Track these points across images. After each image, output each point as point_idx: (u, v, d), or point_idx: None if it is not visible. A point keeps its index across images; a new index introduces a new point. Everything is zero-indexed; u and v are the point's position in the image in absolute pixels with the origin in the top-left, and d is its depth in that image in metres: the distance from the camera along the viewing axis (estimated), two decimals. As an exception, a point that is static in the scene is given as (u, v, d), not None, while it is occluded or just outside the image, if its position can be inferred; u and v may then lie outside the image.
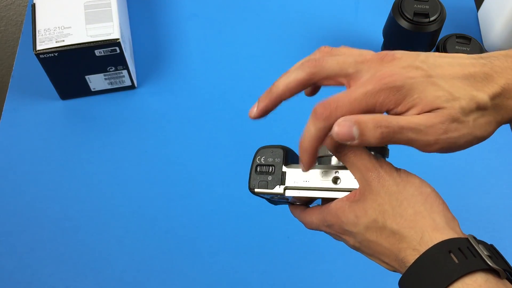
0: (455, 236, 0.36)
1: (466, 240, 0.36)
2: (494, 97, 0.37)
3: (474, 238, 0.37)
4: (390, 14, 0.74)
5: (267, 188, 0.43)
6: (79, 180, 0.73)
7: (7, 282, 0.66)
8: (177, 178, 0.73)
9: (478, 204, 0.72)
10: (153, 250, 0.69)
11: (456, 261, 0.34)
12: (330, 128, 0.37)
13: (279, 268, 0.68)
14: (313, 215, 0.43)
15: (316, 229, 0.44)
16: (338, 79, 0.40)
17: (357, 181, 0.40)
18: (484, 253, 0.35)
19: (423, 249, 0.36)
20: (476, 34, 0.85)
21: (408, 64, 0.38)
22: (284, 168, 0.43)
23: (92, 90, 0.78)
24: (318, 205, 0.44)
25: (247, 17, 0.87)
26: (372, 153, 0.40)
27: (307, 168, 0.41)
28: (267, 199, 0.46)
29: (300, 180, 0.42)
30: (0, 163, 0.74)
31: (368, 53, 0.40)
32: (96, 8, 0.73)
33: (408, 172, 0.40)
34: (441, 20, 0.72)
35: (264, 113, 0.43)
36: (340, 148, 0.39)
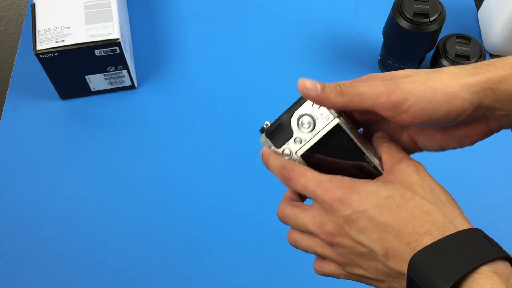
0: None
1: (487, 236, 0.36)
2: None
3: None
4: (390, 14, 0.74)
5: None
6: (79, 180, 0.73)
7: (7, 282, 0.66)
8: (177, 178, 0.73)
9: (478, 204, 0.72)
10: (153, 250, 0.69)
11: (492, 245, 0.34)
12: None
13: (279, 268, 0.68)
14: (310, 170, 0.41)
15: (298, 187, 0.41)
16: None
17: (388, 163, 0.40)
18: (504, 251, 0.35)
19: (454, 228, 0.35)
20: (476, 34, 0.85)
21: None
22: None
23: (92, 90, 0.78)
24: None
25: (247, 17, 0.87)
26: None
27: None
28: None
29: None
30: (0, 163, 0.74)
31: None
32: (96, 8, 0.73)
33: None
34: (441, 20, 0.72)
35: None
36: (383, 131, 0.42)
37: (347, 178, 0.39)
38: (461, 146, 0.42)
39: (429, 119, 0.38)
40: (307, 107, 0.41)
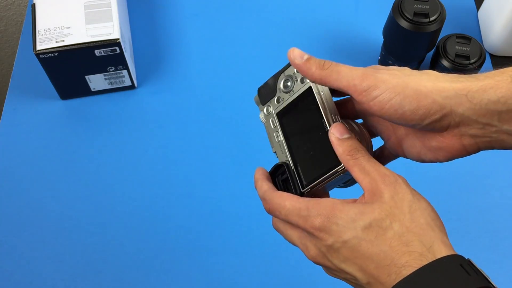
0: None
1: (468, 260, 0.36)
2: None
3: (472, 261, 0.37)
4: (390, 14, 0.74)
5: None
6: (79, 180, 0.73)
7: (7, 282, 0.66)
8: (177, 177, 0.73)
9: (478, 204, 0.72)
10: (153, 249, 0.69)
11: (468, 274, 0.34)
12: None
13: (279, 268, 0.68)
14: (288, 199, 0.41)
15: (281, 218, 0.42)
16: None
17: (366, 185, 0.39)
18: (484, 273, 0.35)
19: (432, 257, 0.35)
20: (476, 34, 0.85)
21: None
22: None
23: (92, 90, 0.78)
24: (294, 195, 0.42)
25: (247, 17, 0.87)
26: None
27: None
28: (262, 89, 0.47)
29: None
30: (0, 163, 0.74)
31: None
32: (96, 8, 0.73)
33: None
34: (441, 20, 0.72)
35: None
36: (353, 151, 0.40)
37: (324, 203, 0.39)
38: (437, 159, 0.42)
39: (395, 112, 0.38)
40: (292, 70, 0.44)
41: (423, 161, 0.43)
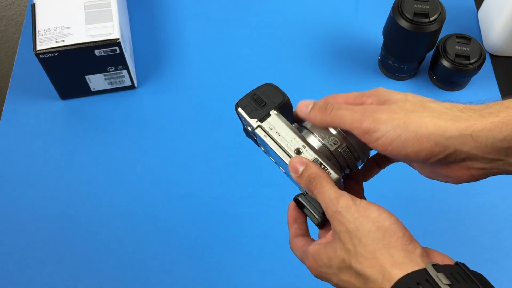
0: (415, 268, 0.36)
1: (424, 271, 0.36)
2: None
3: (434, 266, 0.36)
4: (390, 14, 0.74)
5: (247, 114, 0.45)
6: (79, 180, 0.73)
7: (7, 282, 0.66)
8: (177, 178, 0.73)
9: (478, 204, 0.72)
10: (153, 250, 0.69)
11: None
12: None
13: (279, 268, 0.68)
14: (296, 249, 0.45)
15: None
16: None
17: (325, 217, 0.42)
18: (443, 282, 0.35)
19: (388, 285, 0.36)
20: (476, 34, 0.85)
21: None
22: (273, 112, 0.44)
23: (92, 90, 0.78)
24: (309, 239, 0.46)
25: (247, 17, 0.87)
26: (342, 180, 0.43)
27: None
28: (243, 124, 0.48)
29: (275, 129, 0.44)
30: (0, 163, 0.74)
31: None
32: (96, 8, 0.73)
33: (367, 203, 0.40)
34: (441, 20, 0.72)
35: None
36: (311, 185, 0.42)
37: (299, 241, 0.44)
38: (447, 182, 0.42)
39: (399, 154, 0.38)
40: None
41: (435, 179, 0.43)
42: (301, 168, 0.41)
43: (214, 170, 0.74)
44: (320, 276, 0.43)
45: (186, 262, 0.68)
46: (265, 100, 0.45)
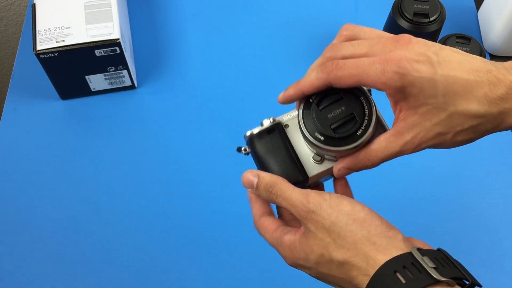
0: (399, 253, 0.36)
1: (409, 255, 0.36)
2: (494, 101, 0.38)
3: (419, 250, 0.37)
4: (390, 14, 0.74)
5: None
6: (79, 180, 0.73)
7: (7, 282, 0.66)
8: (177, 178, 0.73)
9: (478, 204, 0.72)
10: (153, 250, 0.69)
11: (403, 280, 0.35)
12: (327, 82, 0.40)
13: (279, 268, 0.68)
14: (266, 232, 0.45)
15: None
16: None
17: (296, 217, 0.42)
18: (429, 265, 0.35)
19: (372, 270, 0.36)
20: (476, 34, 0.85)
21: (421, 51, 0.39)
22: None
23: (92, 90, 0.78)
24: (276, 219, 0.45)
25: (247, 17, 0.87)
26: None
27: (282, 98, 0.43)
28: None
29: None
30: (0, 163, 0.74)
31: (386, 35, 0.41)
32: (96, 8, 0.73)
33: (337, 197, 0.40)
34: (441, 20, 0.72)
35: (288, 101, 0.44)
36: (271, 195, 0.42)
37: (268, 222, 0.45)
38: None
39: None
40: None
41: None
42: (255, 180, 0.42)
43: (214, 170, 0.74)
44: (295, 266, 0.43)
45: (186, 262, 0.68)
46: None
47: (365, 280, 0.37)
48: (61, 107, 0.79)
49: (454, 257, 0.39)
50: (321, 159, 0.44)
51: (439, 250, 0.38)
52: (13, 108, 0.78)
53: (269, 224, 0.44)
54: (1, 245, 0.69)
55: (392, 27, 0.73)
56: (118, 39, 0.71)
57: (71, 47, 0.70)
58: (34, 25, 0.72)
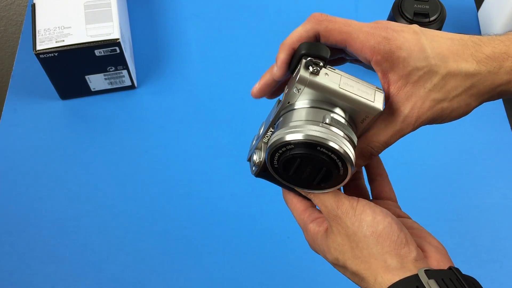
0: (407, 274, 0.36)
1: (415, 278, 0.36)
2: (482, 60, 0.39)
3: (426, 271, 0.36)
4: (390, 14, 0.74)
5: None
6: (79, 180, 0.73)
7: (7, 282, 0.66)
8: (177, 177, 0.73)
9: (478, 204, 0.72)
10: (153, 249, 0.69)
11: None
12: (315, 32, 0.41)
13: (279, 268, 0.68)
14: (295, 211, 0.44)
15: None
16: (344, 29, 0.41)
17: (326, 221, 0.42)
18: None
19: None
20: (476, 34, 0.85)
21: (403, 26, 0.40)
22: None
23: (92, 90, 0.78)
24: (304, 199, 0.44)
25: (247, 17, 0.87)
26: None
27: (278, 69, 0.44)
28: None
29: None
30: (0, 163, 0.74)
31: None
32: (96, 8, 0.73)
33: (363, 205, 0.39)
34: (441, 20, 0.72)
35: (282, 68, 0.44)
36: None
37: (310, 232, 0.43)
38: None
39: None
40: None
41: None
42: None
43: (214, 169, 0.74)
44: (316, 252, 0.44)
45: (186, 262, 0.68)
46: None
47: None
48: (61, 107, 0.79)
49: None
50: None
51: (450, 268, 0.37)
52: (13, 108, 0.78)
53: (298, 203, 0.44)
54: (1, 245, 0.69)
55: (392, 27, 0.73)
56: (118, 39, 0.71)
57: (71, 47, 0.70)
58: (34, 25, 0.72)
